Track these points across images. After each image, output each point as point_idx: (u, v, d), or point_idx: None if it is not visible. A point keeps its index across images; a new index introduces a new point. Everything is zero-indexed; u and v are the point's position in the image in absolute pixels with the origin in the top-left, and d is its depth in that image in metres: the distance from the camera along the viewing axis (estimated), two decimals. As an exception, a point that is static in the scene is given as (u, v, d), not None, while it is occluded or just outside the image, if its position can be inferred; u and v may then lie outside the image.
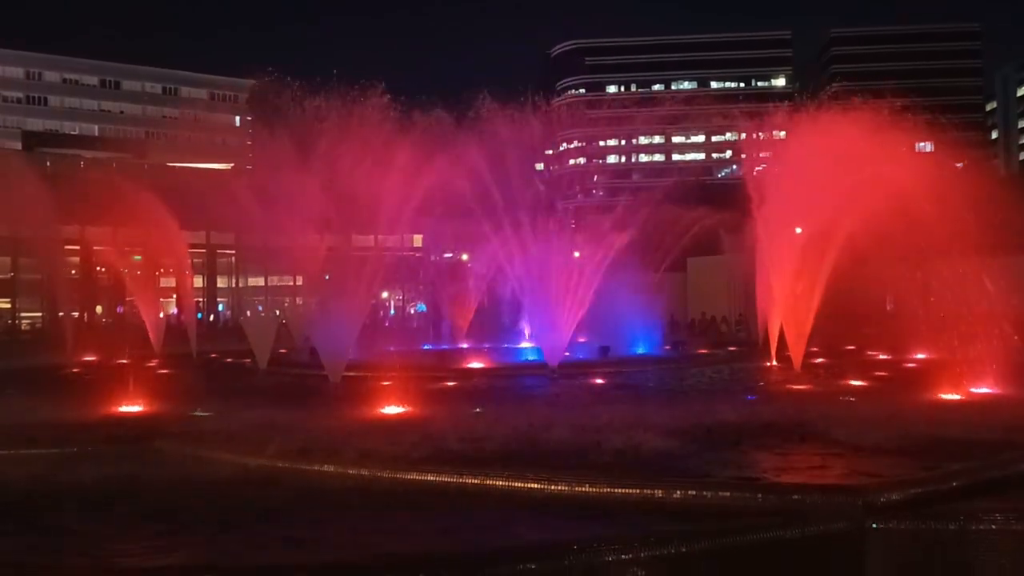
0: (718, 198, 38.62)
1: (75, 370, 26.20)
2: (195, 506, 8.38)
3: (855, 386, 17.70)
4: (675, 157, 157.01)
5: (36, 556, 6.87)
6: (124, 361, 25.98)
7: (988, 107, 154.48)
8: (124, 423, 13.73)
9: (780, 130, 26.43)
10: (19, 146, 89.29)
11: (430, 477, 9.09)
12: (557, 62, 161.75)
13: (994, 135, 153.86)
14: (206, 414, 14.18)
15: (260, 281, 75.19)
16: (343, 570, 6.39)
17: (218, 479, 9.61)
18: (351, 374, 20.22)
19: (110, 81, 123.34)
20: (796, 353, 21.57)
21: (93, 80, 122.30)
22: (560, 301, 22.25)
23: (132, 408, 15.12)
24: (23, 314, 65.24)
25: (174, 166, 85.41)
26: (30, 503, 8.70)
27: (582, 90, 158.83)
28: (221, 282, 74.40)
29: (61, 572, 6.40)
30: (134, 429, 12.91)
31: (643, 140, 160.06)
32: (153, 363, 27.75)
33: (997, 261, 17.47)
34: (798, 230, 22.03)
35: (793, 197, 21.79)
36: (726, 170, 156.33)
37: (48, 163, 71.45)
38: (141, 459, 10.55)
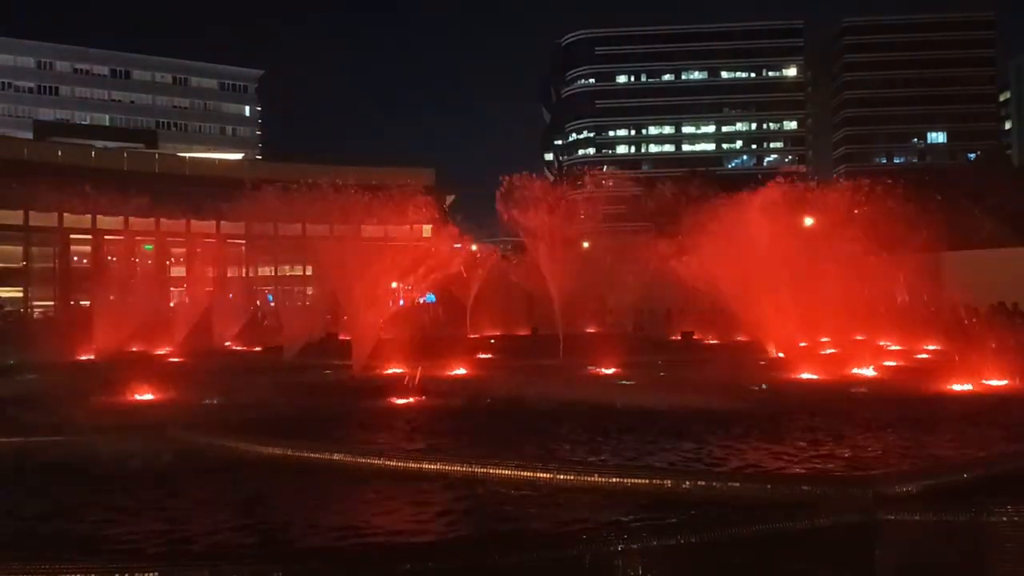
0: None
1: None
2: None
3: None
4: (685, 147, 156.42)
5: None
6: None
7: (1002, 97, 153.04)
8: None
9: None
10: (31, 136, 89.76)
11: (438, 466, 9.12)
12: (567, 51, 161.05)
13: (1007, 126, 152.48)
14: None
15: (269, 271, 75.41)
16: (355, 556, 6.41)
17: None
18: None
19: (120, 71, 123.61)
20: None
21: (104, 70, 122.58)
22: None
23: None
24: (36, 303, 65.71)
25: (184, 156, 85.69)
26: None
27: (592, 80, 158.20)
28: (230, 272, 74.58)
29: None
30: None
31: (653, 130, 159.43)
32: None
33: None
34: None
35: None
36: (736, 160, 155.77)
37: (59, 152, 71.75)
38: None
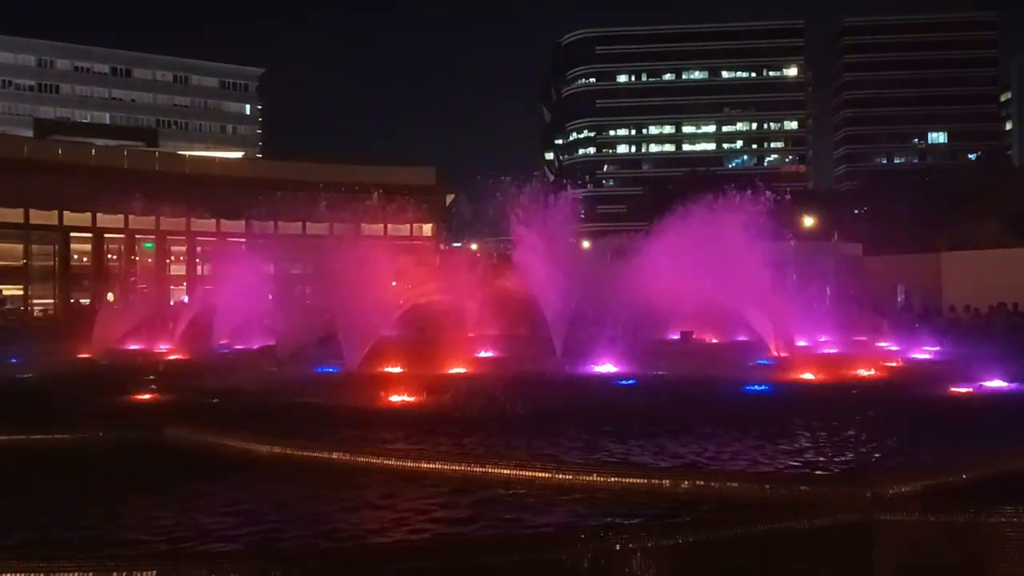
0: None
1: None
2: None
3: None
4: (685, 147, 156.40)
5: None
6: None
7: (1003, 98, 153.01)
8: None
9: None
10: (31, 134, 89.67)
11: (438, 465, 9.12)
12: (568, 51, 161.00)
13: (1008, 126, 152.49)
14: None
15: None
16: (354, 556, 6.41)
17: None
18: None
19: (121, 69, 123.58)
20: None
21: (104, 68, 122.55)
22: None
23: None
24: (35, 301, 65.68)
25: (184, 154, 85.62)
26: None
27: (592, 80, 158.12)
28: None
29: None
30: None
31: (653, 130, 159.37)
32: None
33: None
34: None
35: None
36: (737, 160, 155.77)
37: (59, 151, 71.67)
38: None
